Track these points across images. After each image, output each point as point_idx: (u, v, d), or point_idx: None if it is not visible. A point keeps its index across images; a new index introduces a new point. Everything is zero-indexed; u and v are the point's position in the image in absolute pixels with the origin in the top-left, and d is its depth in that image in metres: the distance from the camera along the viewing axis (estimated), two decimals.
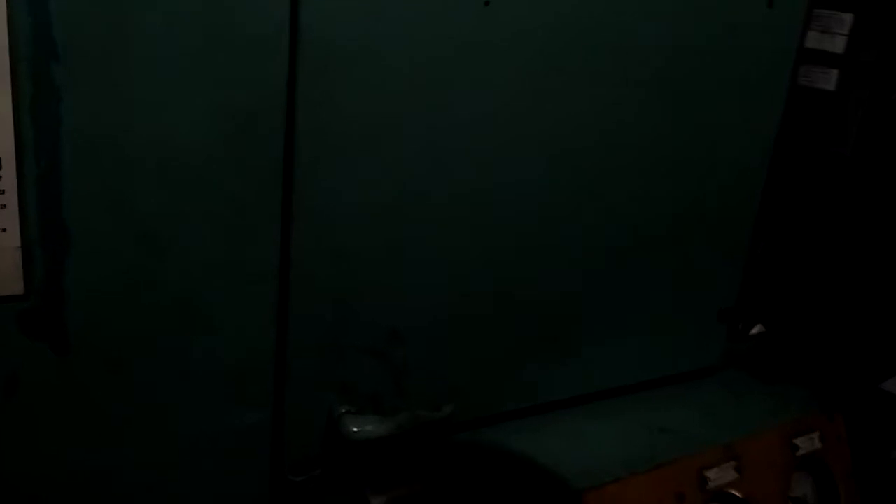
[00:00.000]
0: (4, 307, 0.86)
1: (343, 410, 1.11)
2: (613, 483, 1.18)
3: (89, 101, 0.82)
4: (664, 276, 1.37)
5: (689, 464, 1.28)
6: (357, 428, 1.10)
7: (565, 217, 1.21)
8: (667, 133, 1.27)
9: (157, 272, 0.90)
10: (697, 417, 1.41)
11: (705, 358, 1.51)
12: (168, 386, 0.98)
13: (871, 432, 1.61)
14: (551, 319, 1.27)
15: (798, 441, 1.44)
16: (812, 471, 1.47)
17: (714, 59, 1.27)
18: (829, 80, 1.40)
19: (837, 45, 1.37)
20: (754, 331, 1.70)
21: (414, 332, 1.14)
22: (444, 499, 1.19)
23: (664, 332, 1.42)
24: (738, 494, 1.30)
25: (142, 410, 0.97)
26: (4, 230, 0.84)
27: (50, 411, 0.92)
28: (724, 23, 1.25)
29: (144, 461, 1.00)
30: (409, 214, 1.07)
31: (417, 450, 1.18)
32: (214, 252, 0.93)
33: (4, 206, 0.84)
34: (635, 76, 1.19)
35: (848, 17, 1.36)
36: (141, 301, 0.92)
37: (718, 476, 1.28)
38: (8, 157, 0.82)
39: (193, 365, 0.99)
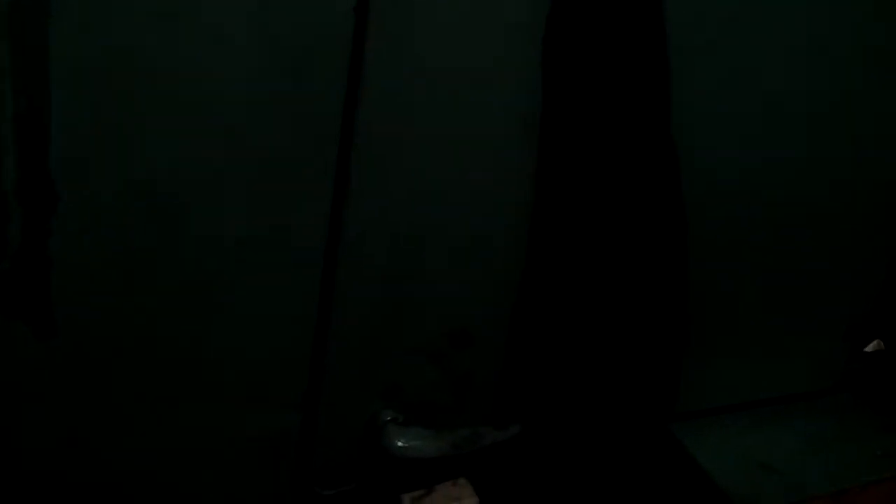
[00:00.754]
0: None
1: (388, 418, 0.92)
2: None
3: (88, 17, 0.63)
4: (795, 282, 1.15)
5: None
6: (403, 442, 0.91)
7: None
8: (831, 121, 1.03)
9: (169, 243, 0.75)
10: (805, 453, 1.20)
11: (820, 380, 1.29)
12: (177, 381, 0.81)
13: None
14: None
15: None
16: None
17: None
18: None
19: None
20: (869, 347, 1.45)
21: (485, 335, 0.91)
22: None
23: (781, 348, 1.21)
24: None
25: (142, 408, 0.81)
26: None
27: (29, 406, 0.75)
28: None
29: (142, 468, 0.83)
30: (492, 190, 0.85)
31: (471, 472, 0.98)
32: (245, 222, 0.77)
33: None
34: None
35: None
36: (147, 278, 0.75)
37: None
38: None
39: (210, 357, 0.81)
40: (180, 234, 0.74)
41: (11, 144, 0.64)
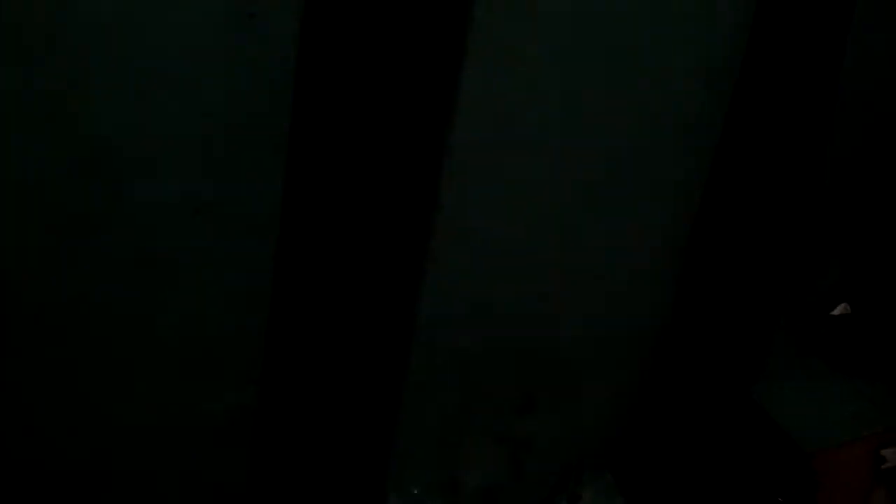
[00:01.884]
0: None
1: None
2: None
3: None
4: None
5: None
6: None
7: None
8: None
9: (110, 209, 0.70)
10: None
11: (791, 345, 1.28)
12: (127, 356, 0.76)
13: None
14: None
15: (886, 452, 1.22)
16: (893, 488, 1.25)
17: None
18: None
19: None
20: (836, 311, 1.45)
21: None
22: None
23: None
24: None
25: (92, 387, 0.76)
26: None
27: None
28: None
29: (94, 449, 0.79)
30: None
31: None
32: (195, 186, 0.72)
33: None
34: None
35: None
36: (88, 249, 0.70)
37: None
38: None
39: (163, 332, 0.77)
40: (124, 199, 0.69)
41: None
